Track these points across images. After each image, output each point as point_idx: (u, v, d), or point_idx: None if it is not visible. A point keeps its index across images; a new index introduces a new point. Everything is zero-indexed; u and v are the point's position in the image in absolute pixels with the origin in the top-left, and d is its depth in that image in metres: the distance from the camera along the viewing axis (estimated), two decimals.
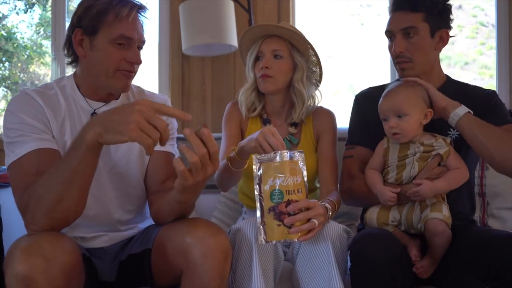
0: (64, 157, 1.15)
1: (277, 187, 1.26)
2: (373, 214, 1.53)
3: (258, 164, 1.29)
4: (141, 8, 1.37)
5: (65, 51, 1.41)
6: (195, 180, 1.11)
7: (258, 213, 1.27)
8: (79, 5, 1.36)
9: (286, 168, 1.26)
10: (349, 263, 1.42)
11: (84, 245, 1.40)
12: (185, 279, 1.22)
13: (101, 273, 1.40)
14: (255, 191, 1.28)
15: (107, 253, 1.43)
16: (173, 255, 1.24)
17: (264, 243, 1.27)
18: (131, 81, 1.41)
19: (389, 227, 1.50)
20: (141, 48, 1.40)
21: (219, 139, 1.85)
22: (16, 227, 1.66)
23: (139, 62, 1.38)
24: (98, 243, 1.43)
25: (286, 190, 1.26)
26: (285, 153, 1.28)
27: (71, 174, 1.11)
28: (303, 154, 1.30)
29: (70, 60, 1.43)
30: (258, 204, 1.27)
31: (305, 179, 1.29)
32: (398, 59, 1.59)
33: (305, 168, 1.29)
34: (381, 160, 1.55)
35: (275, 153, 1.28)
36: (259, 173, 1.28)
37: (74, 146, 1.11)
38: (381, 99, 1.54)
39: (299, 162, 1.29)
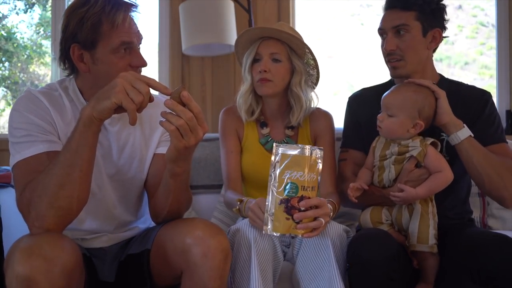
0: (64, 144, 1.18)
1: (293, 181, 1.25)
2: (365, 215, 1.54)
3: (279, 154, 1.27)
4: (133, 6, 1.32)
5: (62, 65, 1.35)
6: (188, 143, 1.12)
7: (269, 201, 1.26)
8: (69, 20, 1.28)
9: (306, 163, 1.25)
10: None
11: (84, 245, 1.40)
12: (185, 280, 1.23)
13: (100, 273, 1.40)
14: (270, 180, 1.27)
15: (106, 254, 1.43)
16: (173, 255, 1.24)
17: (268, 233, 1.27)
18: None
19: (384, 225, 1.50)
20: (140, 44, 1.35)
21: (218, 139, 1.85)
22: (16, 227, 1.66)
23: (145, 64, 1.34)
24: (98, 243, 1.43)
25: (301, 186, 1.25)
26: (306, 148, 1.27)
27: (71, 156, 1.14)
28: (322, 152, 1.29)
29: (68, 72, 1.37)
30: (269, 193, 1.26)
31: (319, 177, 1.28)
32: (389, 57, 1.58)
33: (321, 166, 1.28)
34: (372, 160, 1.56)
35: (297, 145, 1.28)
36: (277, 163, 1.26)
37: (73, 130, 1.15)
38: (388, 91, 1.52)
39: (318, 159, 1.28)
